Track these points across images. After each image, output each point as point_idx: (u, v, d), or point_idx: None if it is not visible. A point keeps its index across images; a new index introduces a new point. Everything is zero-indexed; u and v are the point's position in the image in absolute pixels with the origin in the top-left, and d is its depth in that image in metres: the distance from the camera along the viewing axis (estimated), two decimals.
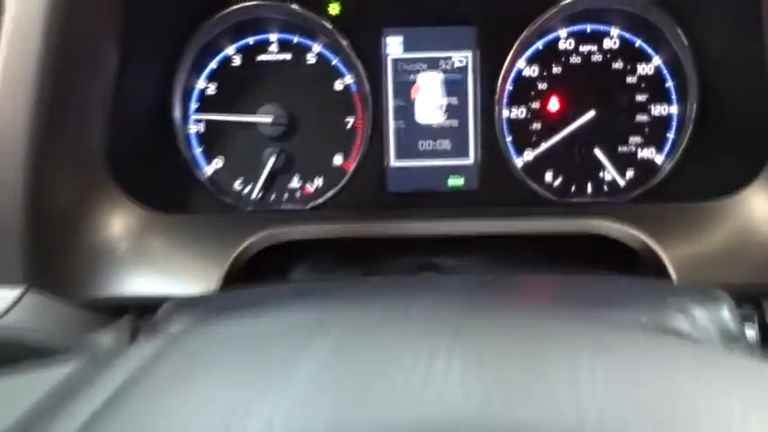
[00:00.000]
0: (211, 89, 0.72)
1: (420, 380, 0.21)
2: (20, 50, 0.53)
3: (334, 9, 0.71)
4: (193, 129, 0.72)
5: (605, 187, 0.71)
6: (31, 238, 0.55)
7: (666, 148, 0.71)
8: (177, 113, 0.71)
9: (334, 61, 0.72)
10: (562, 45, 0.71)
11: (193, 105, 0.72)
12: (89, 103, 0.60)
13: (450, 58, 0.71)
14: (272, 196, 0.73)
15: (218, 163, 0.72)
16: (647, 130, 0.71)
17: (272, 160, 0.71)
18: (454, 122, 0.72)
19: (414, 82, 0.71)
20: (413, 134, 0.72)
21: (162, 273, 0.60)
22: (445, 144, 0.72)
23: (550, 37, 0.71)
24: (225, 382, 0.22)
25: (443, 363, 0.22)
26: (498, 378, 0.22)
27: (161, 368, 0.24)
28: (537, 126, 0.72)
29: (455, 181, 0.72)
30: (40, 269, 0.56)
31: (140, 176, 0.64)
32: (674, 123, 0.71)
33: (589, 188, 0.72)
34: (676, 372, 0.23)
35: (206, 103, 0.72)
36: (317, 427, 0.19)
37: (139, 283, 0.59)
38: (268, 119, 0.71)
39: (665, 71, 0.71)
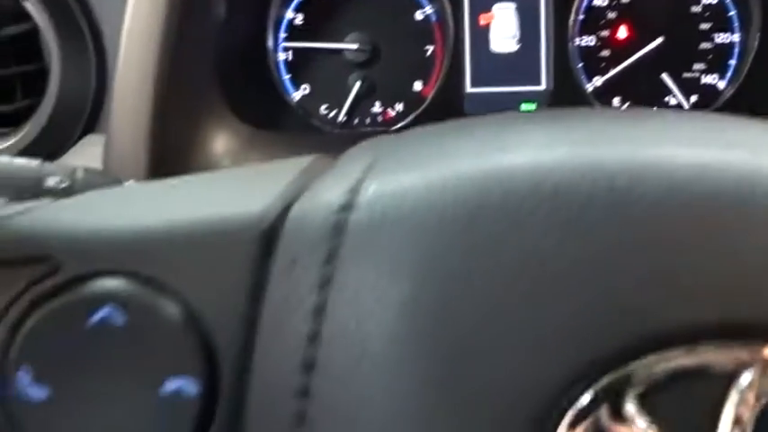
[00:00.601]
0: (299, 19, 0.77)
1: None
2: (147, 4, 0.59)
3: None
4: (282, 56, 0.77)
5: None
6: (155, 165, 0.61)
7: (729, 75, 0.75)
8: (270, 43, 0.76)
9: None
10: None
11: (282, 35, 0.77)
12: (202, 43, 0.66)
13: None
14: (356, 120, 0.78)
15: (305, 89, 0.78)
16: (710, 57, 0.75)
17: (357, 85, 0.76)
18: (527, 51, 0.76)
19: (489, 12, 0.76)
20: (488, 62, 0.77)
21: None
22: (518, 71, 0.77)
23: None
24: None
25: None
26: None
27: None
28: (606, 53, 0.76)
29: (528, 106, 0.77)
30: None
31: (241, 100, 0.70)
32: (737, 51, 0.75)
33: None
34: None
35: (294, 33, 0.77)
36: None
37: None
38: (354, 45, 0.75)
39: (727, 1, 0.75)
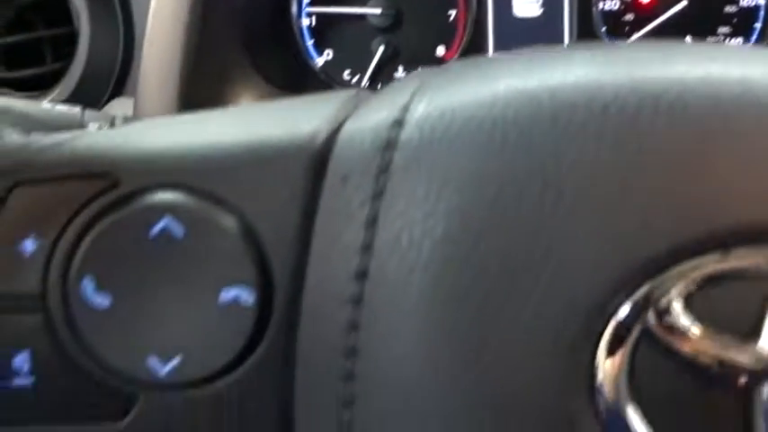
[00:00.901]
0: None
1: None
2: None
3: None
4: (305, 22, 0.78)
5: None
6: None
7: (754, 37, 0.75)
8: (294, 8, 0.77)
9: None
10: None
11: (306, 0, 0.78)
12: (229, 8, 0.67)
13: None
14: (379, 85, 0.78)
15: (328, 54, 0.78)
16: (735, 20, 0.75)
17: (380, 50, 0.76)
18: (550, 15, 0.76)
19: None
20: (511, 26, 0.77)
21: None
22: (542, 36, 0.77)
23: None
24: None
25: None
26: None
27: None
28: (630, 17, 0.76)
29: None
30: None
31: (267, 65, 0.71)
32: (762, 14, 0.75)
33: None
34: None
35: None
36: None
37: None
38: (377, 10, 0.76)
39: None
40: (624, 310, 0.23)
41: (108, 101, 0.71)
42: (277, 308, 0.26)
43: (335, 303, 0.25)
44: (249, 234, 0.26)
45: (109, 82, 0.68)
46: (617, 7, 0.76)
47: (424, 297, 0.24)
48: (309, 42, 0.78)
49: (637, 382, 0.22)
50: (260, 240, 0.26)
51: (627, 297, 0.23)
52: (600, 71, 0.26)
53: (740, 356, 0.22)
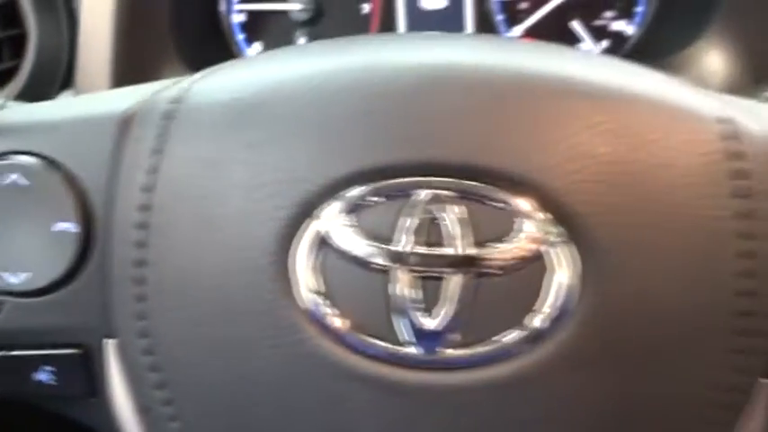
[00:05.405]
0: None
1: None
2: None
3: None
4: (236, 18, 0.87)
5: None
6: None
7: (636, 20, 0.83)
8: (223, 6, 0.86)
9: None
10: None
11: None
12: (159, 8, 0.76)
13: None
14: None
15: (257, 47, 0.87)
16: (619, 4, 0.83)
17: (301, 42, 0.85)
18: (454, 6, 0.85)
19: None
20: (420, 18, 0.86)
21: None
22: (448, 26, 0.86)
23: None
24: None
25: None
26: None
27: None
28: (524, 5, 0.84)
29: None
30: None
31: (198, 57, 0.80)
32: None
33: None
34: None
35: None
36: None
37: None
38: (297, 6, 0.85)
39: None
40: (308, 223, 0.32)
41: (59, 92, 0.81)
42: (98, 236, 0.35)
43: (129, 228, 0.34)
44: (72, 182, 0.35)
45: (56, 77, 0.78)
46: None
47: (190, 221, 0.34)
48: (240, 37, 0.87)
49: (323, 276, 0.32)
50: (81, 187, 0.35)
51: (308, 213, 0.32)
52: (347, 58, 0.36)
53: (379, 251, 0.31)
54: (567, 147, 0.32)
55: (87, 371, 0.36)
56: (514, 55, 0.35)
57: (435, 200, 0.32)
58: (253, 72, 0.36)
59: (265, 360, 0.32)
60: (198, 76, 0.38)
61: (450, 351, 0.32)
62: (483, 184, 0.32)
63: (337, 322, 0.32)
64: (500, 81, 0.33)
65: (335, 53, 0.37)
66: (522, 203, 0.32)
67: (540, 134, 0.32)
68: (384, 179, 0.32)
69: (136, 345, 0.34)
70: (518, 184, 0.32)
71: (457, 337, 0.32)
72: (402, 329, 0.32)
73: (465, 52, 0.36)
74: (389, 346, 0.32)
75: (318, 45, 0.41)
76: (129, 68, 0.72)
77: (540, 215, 0.32)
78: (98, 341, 0.36)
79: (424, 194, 0.32)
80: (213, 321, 0.33)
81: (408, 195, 0.32)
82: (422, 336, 0.32)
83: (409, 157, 0.32)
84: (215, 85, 0.36)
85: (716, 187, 0.32)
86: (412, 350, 0.32)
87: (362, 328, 0.32)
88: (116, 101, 0.37)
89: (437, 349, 0.32)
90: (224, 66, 0.39)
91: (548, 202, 0.32)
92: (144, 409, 0.35)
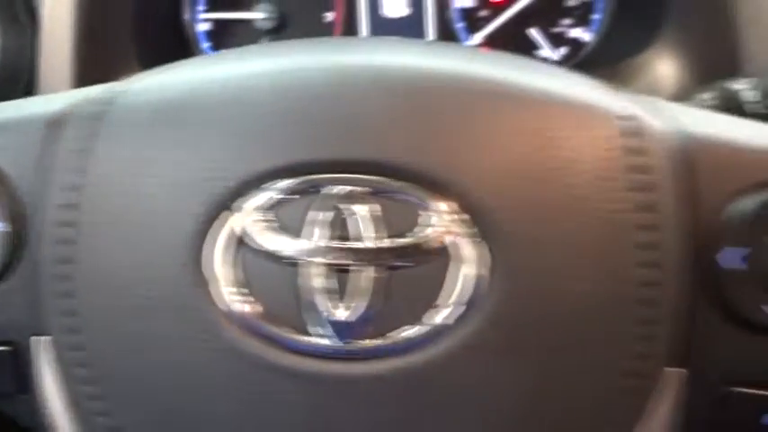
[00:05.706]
0: None
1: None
2: None
3: None
4: (202, 27, 0.89)
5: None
6: None
7: (593, 27, 0.85)
8: (187, 15, 0.88)
9: None
10: None
11: (201, 7, 0.88)
12: (121, 16, 0.77)
13: None
14: None
15: None
16: (576, 12, 0.85)
17: None
18: (416, 14, 0.86)
19: None
20: (382, 26, 0.87)
21: None
22: (409, 32, 0.87)
23: None
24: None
25: None
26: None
27: None
28: (484, 13, 0.86)
29: None
30: None
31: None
32: (600, 6, 0.85)
33: None
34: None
35: (211, 5, 0.88)
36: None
37: None
38: (261, 15, 0.86)
39: None
40: (225, 218, 0.33)
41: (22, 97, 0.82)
42: (29, 235, 0.36)
43: (57, 226, 0.35)
44: (2, 183, 0.36)
45: (19, 81, 0.79)
46: (472, 4, 0.86)
47: (116, 219, 0.35)
48: (206, 45, 0.89)
49: (239, 271, 0.33)
50: (11, 186, 0.36)
51: (224, 209, 0.34)
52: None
53: (292, 245, 0.32)
54: (477, 144, 0.33)
55: (17, 368, 0.37)
56: (433, 58, 0.37)
57: (347, 196, 0.33)
58: (183, 74, 0.38)
59: (187, 354, 0.33)
60: (131, 79, 0.39)
61: (361, 342, 0.33)
62: (394, 181, 0.33)
63: (253, 316, 0.33)
64: (414, 82, 0.35)
65: (264, 56, 0.38)
66: (433, 199, 0.33)
67: (452, 133, 0.33)
68: (298, 176, 0.33)
69: (64, 341, 0.35)
70: (429, 181, 0.33)
71: (369, 328, 0.33)
72: (312, 321, 0.33)
73: (386, 55, 0.37)
74: (303, 337, 0.33)
75: (255, 48, 0.42)
76: (90, 75, 0.74)
77: (451, 210, 0.33)
78: (27, 339, 0.37)
79: (336, 190, 0.33)
80: (138, 318, 0.34)
81: (320, 191, 0.33)
82: (334, 327, 0.33)
83: (321, 154, 0.33)
84: (145, 86, 0.37)
85: (616, 182, 0.33)
86: (325, 341, 0.33)
87: (277, 320, 0.33)
88: (48, 103, 0.38)
89: (349, 340, 0.33)
90: (158, 69, 0.40)
91: (458, 197, 0.33)
92: (74, 405, 0.36)
